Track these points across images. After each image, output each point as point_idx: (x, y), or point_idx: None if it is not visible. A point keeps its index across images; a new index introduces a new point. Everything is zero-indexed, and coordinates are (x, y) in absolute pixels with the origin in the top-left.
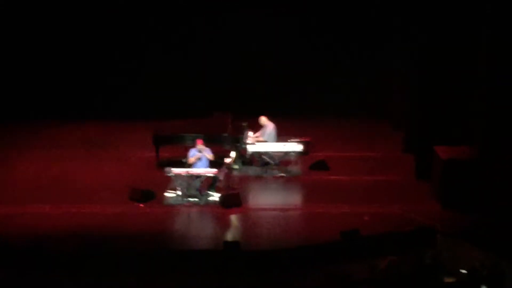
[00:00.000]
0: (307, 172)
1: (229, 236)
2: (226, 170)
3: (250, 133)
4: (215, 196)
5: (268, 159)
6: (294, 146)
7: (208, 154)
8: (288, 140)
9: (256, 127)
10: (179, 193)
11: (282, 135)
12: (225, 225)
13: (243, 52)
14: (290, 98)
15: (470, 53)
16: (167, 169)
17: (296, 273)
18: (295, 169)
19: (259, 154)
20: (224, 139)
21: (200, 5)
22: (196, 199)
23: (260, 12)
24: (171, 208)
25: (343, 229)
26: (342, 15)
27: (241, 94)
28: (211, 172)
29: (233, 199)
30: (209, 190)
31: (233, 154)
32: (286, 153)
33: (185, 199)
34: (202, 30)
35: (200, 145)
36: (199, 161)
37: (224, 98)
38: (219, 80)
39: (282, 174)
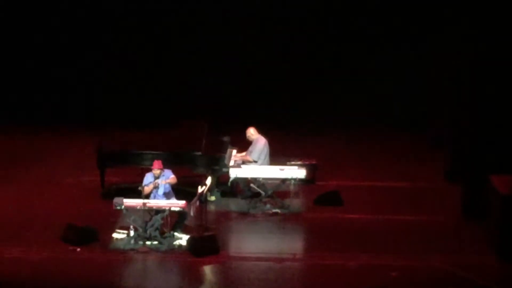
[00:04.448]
0: (312, 207)
1: None
2: (198, 203)
3: (234, 152)
4: (182, 239)
5: (257, 189)
6: (294, 171)
7: (167, 180)
8: (287, 163)
9: (243, 143)
10: (132, 233)
11: (278, 155)
12: (195, 280)
13: (225, 43)
14: (289, 104)
15: None
16: (116, 200)
17: None
18: (295, 203)
19: (245, 181)
20: (196, 160)
21: None
22: (155, 243)
23: None
24: (120, 254)
25: None
26: None
27: (223, 97)
28: (177, 205)
29: (207, 244)
30: (174, 231)
31: (208, 180)
32: (284, 180)
33: (140, 242)
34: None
35: (156, 168)
36: (157, 190)
37: (200, 102)
38: (195, 79)
39: (277, 210)
